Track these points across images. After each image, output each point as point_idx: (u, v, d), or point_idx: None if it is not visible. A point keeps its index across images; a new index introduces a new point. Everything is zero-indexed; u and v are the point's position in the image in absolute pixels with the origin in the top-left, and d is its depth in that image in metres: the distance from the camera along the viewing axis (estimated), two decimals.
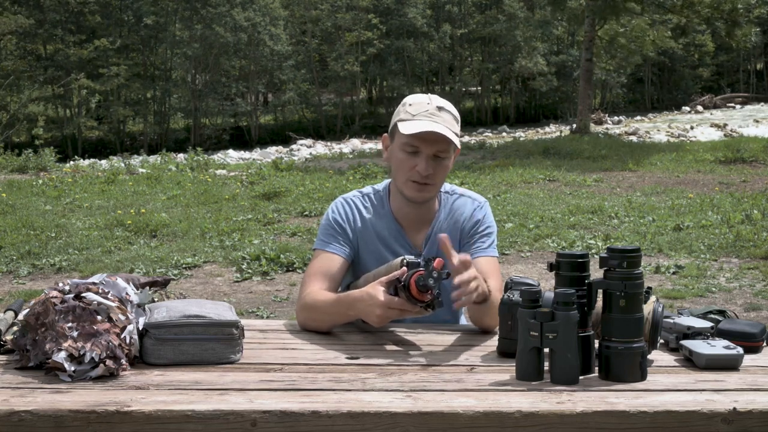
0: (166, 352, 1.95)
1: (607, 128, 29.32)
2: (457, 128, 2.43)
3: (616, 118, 36.11)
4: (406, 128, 2.36)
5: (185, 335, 1.95)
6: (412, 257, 2.14)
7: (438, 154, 2.39)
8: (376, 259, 2.46)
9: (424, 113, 2.38)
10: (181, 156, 20.48)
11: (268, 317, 5.94)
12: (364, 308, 2.14)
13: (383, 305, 2.09)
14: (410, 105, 2.42)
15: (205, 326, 1.97)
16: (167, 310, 2.01)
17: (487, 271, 2.41)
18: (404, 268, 2.11)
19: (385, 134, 2.52)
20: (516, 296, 1.99)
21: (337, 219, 2.49)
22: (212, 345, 1.96)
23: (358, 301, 2.17)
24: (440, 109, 2.39)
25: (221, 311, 2.02)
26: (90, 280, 1.99)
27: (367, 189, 2.57)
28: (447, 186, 2.57)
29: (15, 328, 2.00)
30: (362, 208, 2.51)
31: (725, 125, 29.31)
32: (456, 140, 2.38)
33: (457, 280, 2.05)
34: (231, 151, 26.51)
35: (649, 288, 2.03)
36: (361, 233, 2.48)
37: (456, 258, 2.09)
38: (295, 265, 7.55)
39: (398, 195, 2.48)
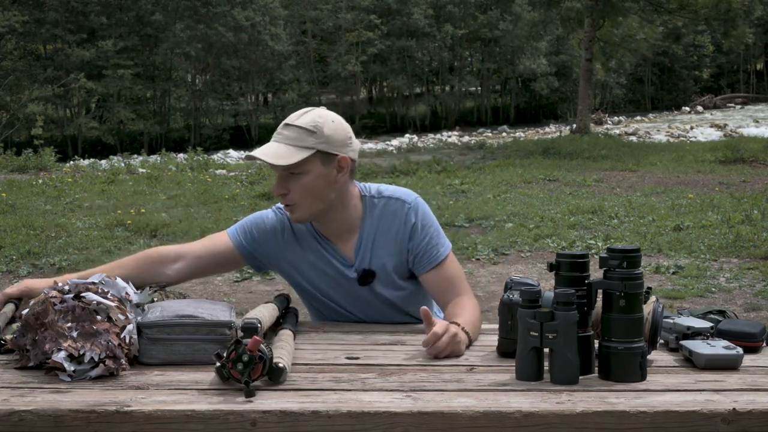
0: (158, 352, 1.94)
1: (607, 128, 29.33)
2: (308, 140, 2.25)
3: (616, 118, 36.16)
4: None
5: (177, 335, 1.95)
6: (254, 321, 1.92)
7: (289, 171, 2.27)
8: (311, 270, 2.43)
9: (275, 133, 2.32)
10: (181, 156, 20.49)
11: None
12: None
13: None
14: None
15: (196, 326, 1.96)
16: (161, 309, 2.01)
17: (448, 277, 2.37)
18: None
19: None
20: (516, 296, 1.99)
21: (265, 222, 2.44)
22: (204, 345, 1.95)
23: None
24: (286, 125, 2.30)
25: (216, 312, 2.01)
26: (90, 279, 1.99)
27: None
28: (372, 188, 2.44)
29: (15, 326, 2.00)
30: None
31: (725, 125, 29.33)
32: (282, 157, 2.24)
33: (424, 342, 2.04)
34: (231, 151, 26.54)
35: (649, 288, 2.03)
36: (291, 244, 2.43)
37: (432, 328, 2.05)
38: None
39: None
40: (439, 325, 2.05)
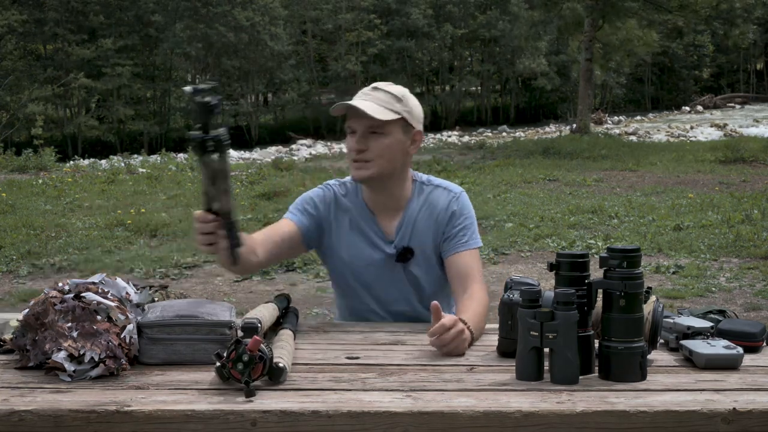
0: (158, 352, 1.94)
1: (607, 128, 29.32)
2: (396, 105, 2.40)
3: (616, 118, 36.14)
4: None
5: (177, 335, 1.95)
6: (255, 321, 1.91)
7: (372, 130, 2.38)
8: (349, 245, 2.50)
9: (358, 95, 2.44)
10: (181, 156, 20.49)
11: None
12: None
13: (194, 219, 2.07)
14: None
15: (196, 326, 1.96)
16: (162, 309, 2.00)
17: (468, 266, 2.45)
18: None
19: None
20: (516, 296, 1.99)
21: (312, 197, 2.53)
22: (204, 345, 1.95)
23: None
24: (375, 88, 2.44)
25: (216, 311, 2.02)
26: (90, 279, 1.99)
27: (347, 178, 2.60)
28: (423, 176, 2.57)
29: (15, 326, 2.00)
30: (340, 195, 2.54)
31: (725, 125, 29.33)
32: (380, 115, 2.35)
33: (430, 333, 2.05)
34: (231, 151, 26.47)
35: (649, 288, 2.03)
36: (336, 218, 2.52)
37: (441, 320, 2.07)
38: (295, 265, 7.55)
39: (364, 185, 2.52)
40: (449, 318, 2.07)
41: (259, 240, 2.42)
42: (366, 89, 2.44)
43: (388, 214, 2.51)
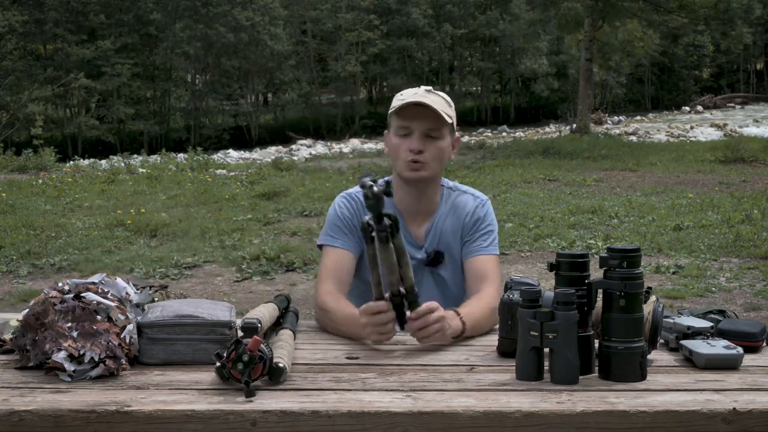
0: (158, 352, 1.94)
1: (607, 128, 29.32)
2: (450, 111, 2.44)
3: (616, 118, 36.11)
4: (395, 109, 2.43)
5: (177, 335, 1.95)
6: (254, 321, 1.91)
7: (429, 133, 2.41)
8: None
9: (412, 95, 2.42)
10: (181, 156, 20.47)
11: None
12: (358, 330, 2.15)
13: (361, 314, 2.10)
14: (401, 94, 2.48)
15: (197, 326, 1.96)
16: (162, 309, 2.00)
17: (485, 270, 2.45)
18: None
19: (386, 131, 2.54)
20: (516, 296, 1.99)
21: (344, 213, 2.50)
22: (204, 345, 1.95)
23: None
24: (429, 92, 2.45)
25: (216, 312, 2.01)
26: (90, 279, 1.98)
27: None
28: (449, 182, 2.59)
29: (15, 325, 2.00)
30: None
31: (725, 125, 29.33)
32: (445, 116, 2.40)
33: (413, 314, 2.07)
34: (231, 151, 26.52)
35: (649, 288, 2.03)
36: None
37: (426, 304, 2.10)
38: (295, 265, 7.55)
39: (400, 187, 2.50)
40: (431, 302, 2.10)
41: (347, 287, 2.42)
42: (419, 91, 2.43)
43: (417, 219, 2.51)
